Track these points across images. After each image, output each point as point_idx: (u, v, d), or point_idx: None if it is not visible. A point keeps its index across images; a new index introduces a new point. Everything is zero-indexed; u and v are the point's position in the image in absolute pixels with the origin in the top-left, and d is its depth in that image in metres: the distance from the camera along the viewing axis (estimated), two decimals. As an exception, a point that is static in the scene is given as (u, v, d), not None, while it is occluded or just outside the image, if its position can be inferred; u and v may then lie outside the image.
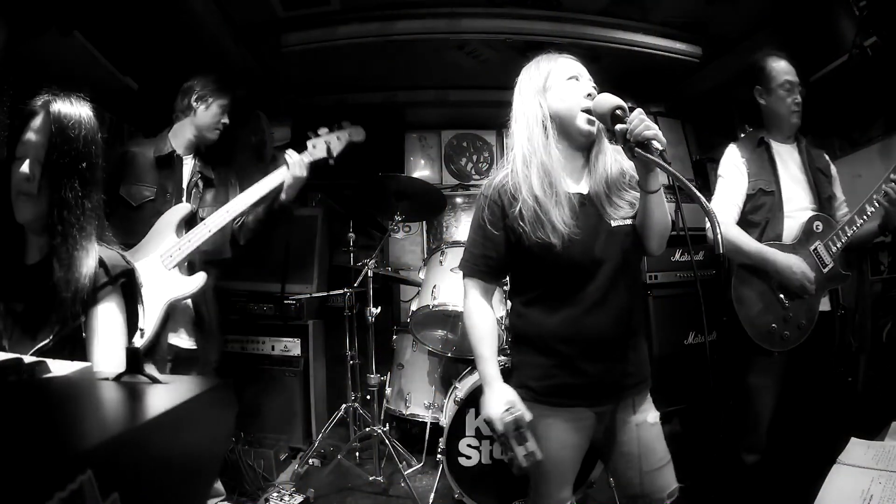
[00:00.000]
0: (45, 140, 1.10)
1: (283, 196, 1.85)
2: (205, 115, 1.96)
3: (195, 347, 1.85)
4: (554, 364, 1.24)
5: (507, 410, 1.16)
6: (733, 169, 1.92)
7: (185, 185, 1.91)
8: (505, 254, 1.27)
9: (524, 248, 1.22)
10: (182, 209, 1.82)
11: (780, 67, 1.92)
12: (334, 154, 1.89)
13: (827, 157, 1.97)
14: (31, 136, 1.10)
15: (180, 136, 1.97)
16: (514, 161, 1.27)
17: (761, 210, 1.87)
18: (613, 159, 1.29)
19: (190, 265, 1.82)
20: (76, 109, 1.13)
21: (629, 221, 1.26)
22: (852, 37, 2.16)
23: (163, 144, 1.93)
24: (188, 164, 1.95)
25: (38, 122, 1.11)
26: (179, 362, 1.82)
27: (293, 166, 1.77)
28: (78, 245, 1.10)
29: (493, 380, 1.23)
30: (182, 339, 1.84)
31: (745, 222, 1.90)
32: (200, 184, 1.92)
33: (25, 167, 1.09)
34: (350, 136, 1.93)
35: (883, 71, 2.13)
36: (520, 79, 1.34)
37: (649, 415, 1.30)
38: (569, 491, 1.31)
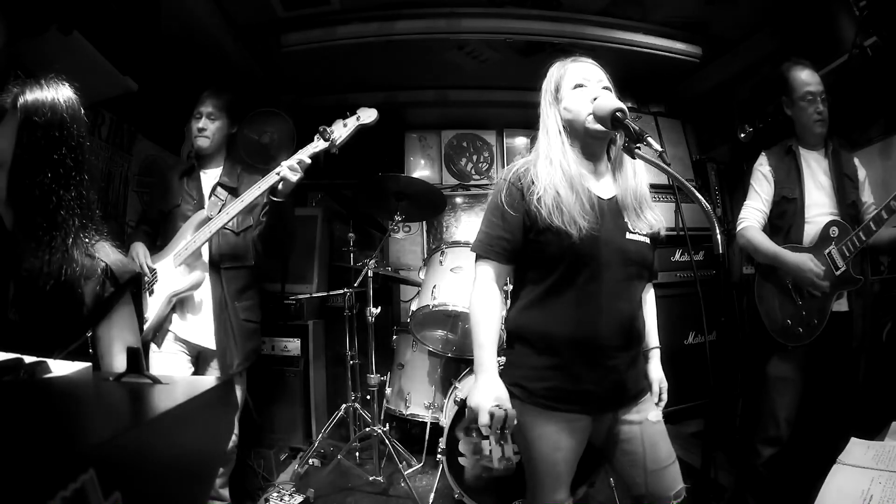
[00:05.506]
0: (13, 142, 0.99)
1: (271, 196, 1.86)
2: (190, 129, 2.10)
3: (214, 348, 1.92)
4: (551, 366, 1.22)
5: (497, 405, 1.10)
6: (760, 177, 2.05)
7: (205, 193, 2.04)
8: (520, 237, 1.25)
9: (538, 230, 1.21)
10: (200, 214, 1.94)
11: (802, 78, 1.98)
12: (337, 142, 1.85)
13: (856, 162, 2.00)
14: None
15: (190, 152, 2.18)
16: (538, 156, 1.27)
17: (784, 216, 1.99)
18: (643, 169, 1.30)
19: (215, 267, 1.95)
20: (49, 94, 1.03)
21: (647, 240, 1.27)
22: (852, 37, 2.17)
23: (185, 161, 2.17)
24: (208, 174, 2.08)
25: (4, 123, 1.01)
26: (201, 361, 1.97)
27: (283, 169, 1.80)
28: (66, 247, 1.01)
29: (487, 368, 1.18)
30: (204, 339, 1.93)
31: (771, 227, 2.03)
32: (223, 192, 2.03)
33: None
34: (359, 120, 1.89)
35: (883, 71, 2.13)
36: (541, 87, 1.34)
37: (650, 413, 1.29)
38: (565, 492, 1.28)
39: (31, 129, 1.00)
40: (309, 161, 1.81)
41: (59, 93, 1.05)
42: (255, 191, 1.84)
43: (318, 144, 1.85)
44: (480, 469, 1.10)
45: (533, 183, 1.23)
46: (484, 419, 1.09)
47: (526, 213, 1.23)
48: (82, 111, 1.08)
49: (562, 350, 1.21)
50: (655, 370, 1.39)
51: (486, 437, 1.09)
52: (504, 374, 1.23)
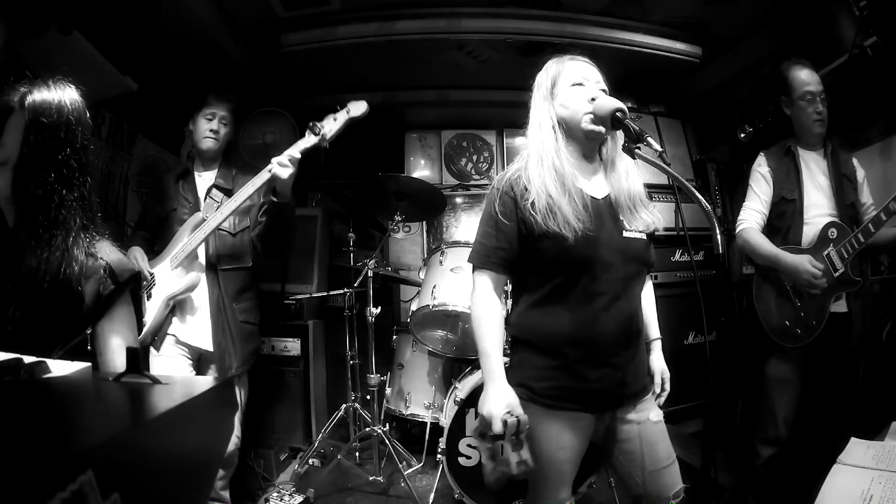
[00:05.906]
0: (19, 140, 1.02)
1: (272, 197, 1.85)
2: (195, 127, 2.08)
3: (212, 350, 1.91)
4: (556, 366, 1.22)
5: (508, 412, 1.12)
6: (759, 178, 2.04)
7: (200, 196, 2.03)
8: (517, 246, 1.25)
9: (535, 237, 1.20)
10: (196, 217, 1.94)
11: (801, 78, 1.98)
12: (328, 137, 1.84)
13: (855, 163, 2.00)
14: (5, 138, 1.02)
15: (190, 152, 2.17)
16: (528, 158, 1.27)
17: (783, 217, 1.98)
18: (635, 170, 1.30)
19: (212, 269, 1.94)
20: (56, 95, 1.05)
21: (643, 236, 1.27)
22: (852, 37, 2.16)
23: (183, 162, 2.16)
24: (203, 177, 2.08)
25: (11, 121, 1.03)
26: (202, 364, 1.97)
27: (273, 165, 1.80)
28: (65, 246, 1.02)
29: (496, 377, 1.18)
30: (203, 342, 1.92)
31: (770, 228, 2.02)
32: (218, 193, 2.02)
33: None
34: (349, 113, 1.88)
35: (883, 71, 2.13)
36: (535, 81, 1.35)
37: (651, 413, 1.29)
38: (567, 491, 1.29)
39: (37, 129, 1.02)
40: (299, 156, 1.80)
41: (66, 95, 1.07)
42: (249, 188, 1.84)
43: (308, 140, 1.84)
44: (500, 472, 1.12)
45: (526, 189, 1.23)
46: (497, 427, 1.10)
47: (521, 222, 1.23)
48: (87, 114, 1.10)
49: (565, 350, 1.21)
50: (657, 361, 1.39)
51: (499, 441, 1.11)
52: (509, 375, 1.24)
